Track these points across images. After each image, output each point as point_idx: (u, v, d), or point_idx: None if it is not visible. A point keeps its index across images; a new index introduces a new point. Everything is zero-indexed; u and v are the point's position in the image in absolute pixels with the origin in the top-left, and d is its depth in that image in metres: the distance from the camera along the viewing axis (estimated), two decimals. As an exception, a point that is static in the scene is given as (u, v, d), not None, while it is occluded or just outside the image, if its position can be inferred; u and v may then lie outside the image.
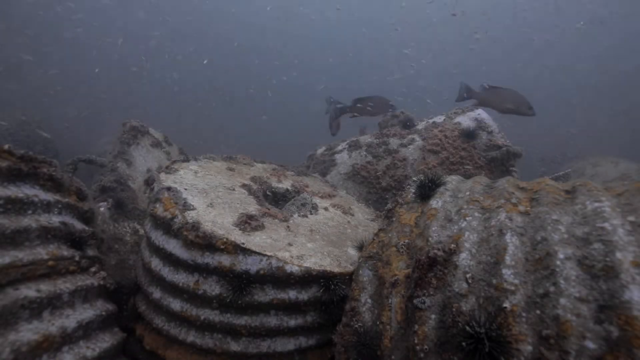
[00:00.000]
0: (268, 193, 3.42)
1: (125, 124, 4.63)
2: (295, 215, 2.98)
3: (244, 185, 3.23)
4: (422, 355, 1.58)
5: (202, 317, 2.27)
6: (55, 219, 2.28)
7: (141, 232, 3.93)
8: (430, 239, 1.90)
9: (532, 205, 1.83)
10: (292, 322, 2.29)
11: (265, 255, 2.22)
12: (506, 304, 1.45)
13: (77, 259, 2.32)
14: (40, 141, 10.00)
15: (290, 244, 2.44)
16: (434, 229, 1.95)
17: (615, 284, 1.34)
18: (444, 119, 4.74)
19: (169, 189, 2.68)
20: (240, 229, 2.42)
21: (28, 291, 1.89)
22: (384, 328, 1.84)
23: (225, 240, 2.23)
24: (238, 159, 4.02)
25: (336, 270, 2.30)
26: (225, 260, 2.23)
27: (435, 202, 2.14)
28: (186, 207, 2.49)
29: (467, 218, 1.89)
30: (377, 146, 4.70)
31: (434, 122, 4.76)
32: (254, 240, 2.33)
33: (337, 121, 5.25)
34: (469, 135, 4.34)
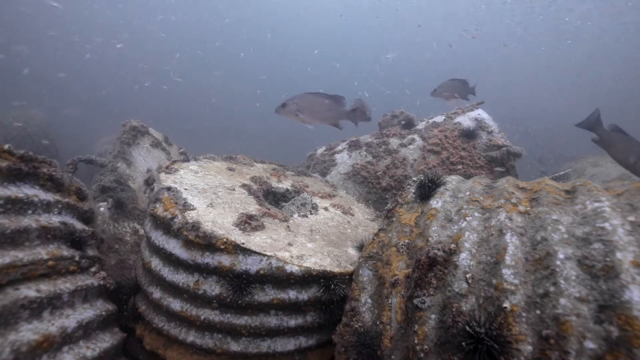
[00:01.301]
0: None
1: (125, 124, 4.63)
2: (295, 215, 2.98)
3: (244, 185, 3.23)
4: (422, 355, 1.58)
5: (202, 317, 2.27)
6: (55, 219, 2.28)
7: (141, 232, 3.93)
8: (430, 239, 1.90)
9: (532, 205, 1.83)
10: (292, 322, 2.29)
11: (265, 255, 2.22)
12: (506, 304, 1.45)
13: (77, 259, 2.32)
14: (41, 141, 10.00)
15: (290, 244, 2.44)
16: (434, 229, 1.95)
17: (615, 284, 1.34)
18: (444, 119, 4.74)
19: (169, 189, 2.68)
20: (240, 229, 2.42)
21: (28, 291, 1.89)
22: (384, 328, 1.84)
23: (225, 240, 2.23)
24: (238, 159, 4.02)
25: (336, 270, 2.30)
26: (225, 260, 2.23)
27: (435, 202, 2.14)
28: (186, 207, 2.49)
29: (467, 218, 1.89)
30: (377, 146, 4.70)
31: (434, 122, 4.76)
32: (254, 240, 2.33)
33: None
34: (469, 135, 4.34)
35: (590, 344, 1.28)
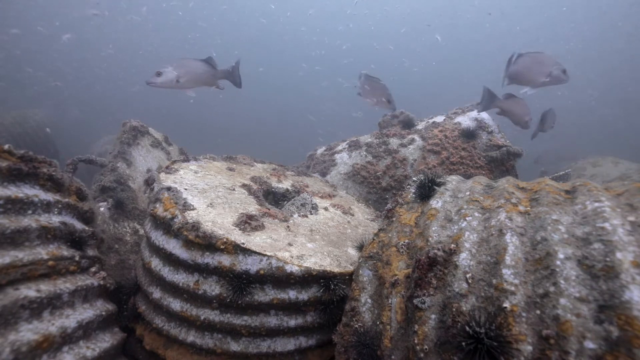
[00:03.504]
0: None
1: (125, 123, 4.63)
2: (295, 215, 2.98)
3: (244, 185, 3.23)
4: (422, 355, 1.58)
5: (202, 317, 2.27)
6: (55, 219, 2.28)
7: (141, 232, 3.93)
8: (430, 239, 1.90)
9: (532, 205, 1.83)
10: (292, 322, 2.29)
11: (265, 255, 2.22)
12: (506, 304, 1.45)
13: (77, 259, 2.32)
14: (41, 141, 9.99)
15: (290, 244, 2.44)
16: (434, 229, 1.95)
17: (615, 284, 1.34)
18: (444, 119, 4.74)
19: (169, 189, 2.68)
20: (240, 229, 2.42)
21: (28, 291, 1.89)
22: (384, 328, 1.84)
23: (225, 240, 2.23)
24: (238, 159, 4.02)
25: (336, 270, 2.30)
26: (225, 260, 2.23)
27: (435, 202, 2.14)
28: (186, 207, 2.49)
29: (467, 218, 1.89)
30: (377, 146, 4.70)
31: (434, 122, 4.76)
32: (254, 240, 2.33)
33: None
34: (469, 135, 4.34)
35: (590, 344, 1.28)
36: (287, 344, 2.31)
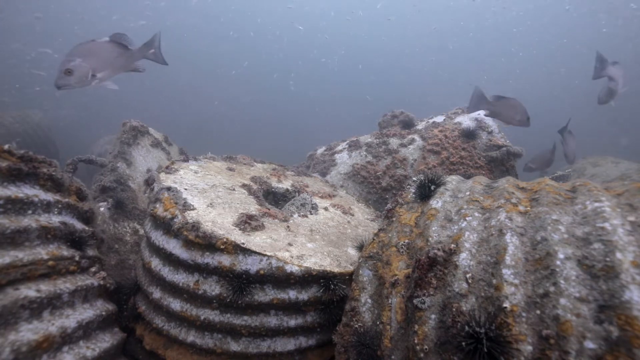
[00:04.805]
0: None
1: (125, 123, 4.63)
2: (295, 215, 2.98)
3: (244, 185, 3.23)
4: (422, 355, 1.58)
5: (202, 317, 2.27)
6: (55, 219, 2.28)
7: (141, 232, 3.93)
8: (430, 239, 1.90)
9: (532, 205, 1.83)
10: (292, 322, 2.29)
11: (265, 255, 2.22)
12: (506, 304, 1.45)
13: (77, 259, 2.32)
14: (41, 141, 9.99)
15: (290, 244, 2.44)
16: (434, 229, 1.95)
17: (615, 284, 1.34)
18: (444, 119, 4.75)
19: (169, 189, 2.68)
20: (240, 229, 2.42)
21: (28, 291, 1.88)
22: (384, 328, 1.84)
23: (225, 240, 2.23)
24: (238, 159, 4.02)
25: (336, 270, 2.30)
26: (225, 260, 2.23)
27: (435, 202, 2.14)
28: (186, 207, 2.49)
29: (467, 218, 1.89)
30: (377, 146, 4.70)
31: (434, 122, 4.76)
32: (254, 240, 2.33)
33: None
34: (469, 135, 4.34)
35: (590, 344, 1.28)
36: (287, 344, 2.31)
